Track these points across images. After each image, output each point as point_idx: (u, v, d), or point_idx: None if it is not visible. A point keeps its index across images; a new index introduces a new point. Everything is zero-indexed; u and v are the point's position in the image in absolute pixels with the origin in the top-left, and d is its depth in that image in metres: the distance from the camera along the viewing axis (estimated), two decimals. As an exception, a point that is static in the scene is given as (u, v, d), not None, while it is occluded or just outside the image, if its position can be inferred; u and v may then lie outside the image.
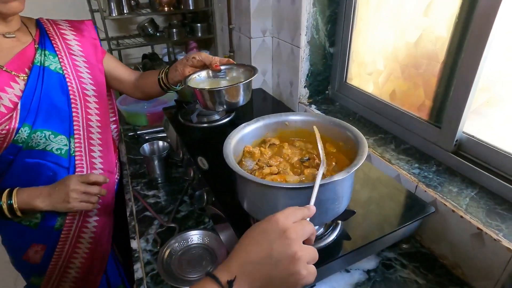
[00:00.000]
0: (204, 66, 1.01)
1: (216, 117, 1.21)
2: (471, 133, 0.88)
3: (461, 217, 0.75)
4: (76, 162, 0.95)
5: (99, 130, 1.00)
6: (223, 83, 1.05)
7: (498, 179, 0.80)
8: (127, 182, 1.13)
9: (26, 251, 0.95)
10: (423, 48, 0.96)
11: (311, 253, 0.46)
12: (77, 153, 0.94)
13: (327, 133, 0.77)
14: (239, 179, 0.66)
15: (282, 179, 0.66)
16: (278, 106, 1.35)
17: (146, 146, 1.10)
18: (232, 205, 0.79)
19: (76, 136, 0.94)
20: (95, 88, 0.99)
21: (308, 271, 0.45)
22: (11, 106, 0.82)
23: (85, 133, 0.96)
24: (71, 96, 0.93)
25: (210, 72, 1.03)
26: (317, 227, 0.70)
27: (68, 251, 0.97)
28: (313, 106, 1.30)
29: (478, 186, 0.84)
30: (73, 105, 0.93)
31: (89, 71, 0.97)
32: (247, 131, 0.76)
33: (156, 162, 1.06)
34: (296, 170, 0.71)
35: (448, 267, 0.80)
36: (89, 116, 0.97)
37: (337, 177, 0.58)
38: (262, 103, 1.39)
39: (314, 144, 0.78)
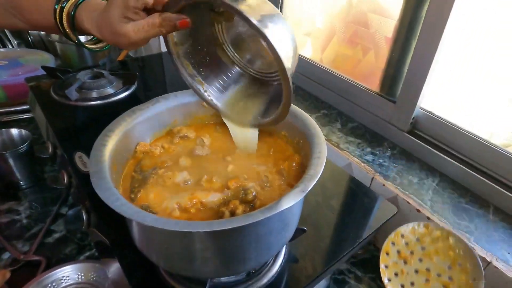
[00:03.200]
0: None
1: (110, 90, 0.88)
2: (428, 109, 0.73)
3: (428, 218, 0.60)
4: None
5: None
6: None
7: (458, 164, 0.67)
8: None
9: None
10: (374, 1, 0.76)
11: None
12: None
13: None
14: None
15: (194, 200, 0.41)
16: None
17: (-10, 138, 0.73)
18: (124, 230, 0.52)
19: None
20: None
21: None
22: None
23: None
24: None
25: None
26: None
27: None
28: (240, 74, 1.04)
29: (438, 173, 0.70)
30: None
31: None
32: (141, 119, 0.48)
33: (11, 161, 0.71)
34: (218, 180, 0.46)
35: (408, 274, 0.66)
36: None
37: (287, 203, 0.34)
38: (175, 70, 1.08)
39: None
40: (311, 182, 0.37)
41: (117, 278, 0.54)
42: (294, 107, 0.51)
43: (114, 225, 0.53)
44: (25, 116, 0.95)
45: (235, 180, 0.44)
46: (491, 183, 0.62)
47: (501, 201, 0.61)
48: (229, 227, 0.31)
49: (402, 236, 0.47)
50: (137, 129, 0.48)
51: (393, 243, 0.46)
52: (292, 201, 0.35)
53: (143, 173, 0.46)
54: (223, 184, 0.44)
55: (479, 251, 0.53)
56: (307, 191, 0.36)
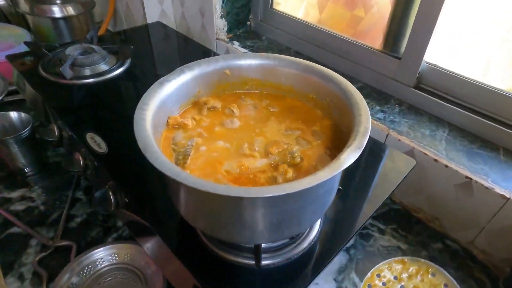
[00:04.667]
0: None
1: (104, 66, 0.83)
2: (433, 62, 0.75)
3: (446, 166, 0.63)
4: None
5: None
6: None
7: (466, 112, 0.70)
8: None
9: None
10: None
11: None
12: None
13: (290, 81, 0.52)
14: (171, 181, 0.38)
15: (243, 168, 0.41)
16: (188, 45, 1.01)
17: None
18: (159, 206, 0.51)
19: None
20: None
21: None
22: None
23: None
24: None
25: None
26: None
27: None
28: (236, 43, 1.01)
29: (447, 123, 0.73)
30: None
31: None
32: (170, 90, 0.46)
33: (15, 147, 0.67)
34: (259, 147, 0.46)
35: (424, 221, 0.70)
36: None
37: (348, 160, 0.35)
38: (164, 43, 1.03)
39: (273, 98, 0.53)
40: (364, 138, 0.37)
41: (155, 254, 0.54)
42: (323, 68, 0.50)
43: (146, 202, 0.52)
44: (10, 99, 0.88)
45: (276, 146, 0.44)
46: (498, 126, 0.65)
47: (509, 142, 0.65)
48: (301, 189, 0.32)
49: (378, 276, 0.49)
50: (167, 101, 0.46)
51: (369, 286, 0.47)
52: (352, 158, 0.35)
53: (182, 146, 0.44)
54: (265, 151, 0.44)
55: (498, 189, 0.57)
56: (363, 147, 0.36)
